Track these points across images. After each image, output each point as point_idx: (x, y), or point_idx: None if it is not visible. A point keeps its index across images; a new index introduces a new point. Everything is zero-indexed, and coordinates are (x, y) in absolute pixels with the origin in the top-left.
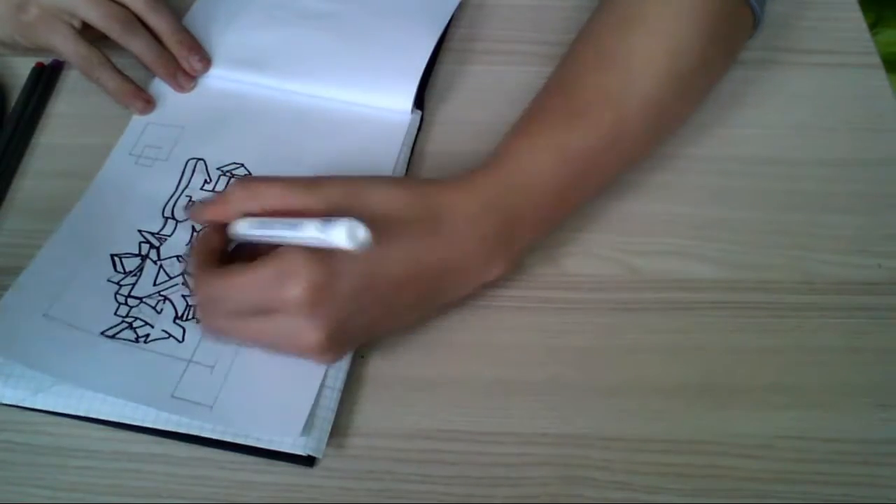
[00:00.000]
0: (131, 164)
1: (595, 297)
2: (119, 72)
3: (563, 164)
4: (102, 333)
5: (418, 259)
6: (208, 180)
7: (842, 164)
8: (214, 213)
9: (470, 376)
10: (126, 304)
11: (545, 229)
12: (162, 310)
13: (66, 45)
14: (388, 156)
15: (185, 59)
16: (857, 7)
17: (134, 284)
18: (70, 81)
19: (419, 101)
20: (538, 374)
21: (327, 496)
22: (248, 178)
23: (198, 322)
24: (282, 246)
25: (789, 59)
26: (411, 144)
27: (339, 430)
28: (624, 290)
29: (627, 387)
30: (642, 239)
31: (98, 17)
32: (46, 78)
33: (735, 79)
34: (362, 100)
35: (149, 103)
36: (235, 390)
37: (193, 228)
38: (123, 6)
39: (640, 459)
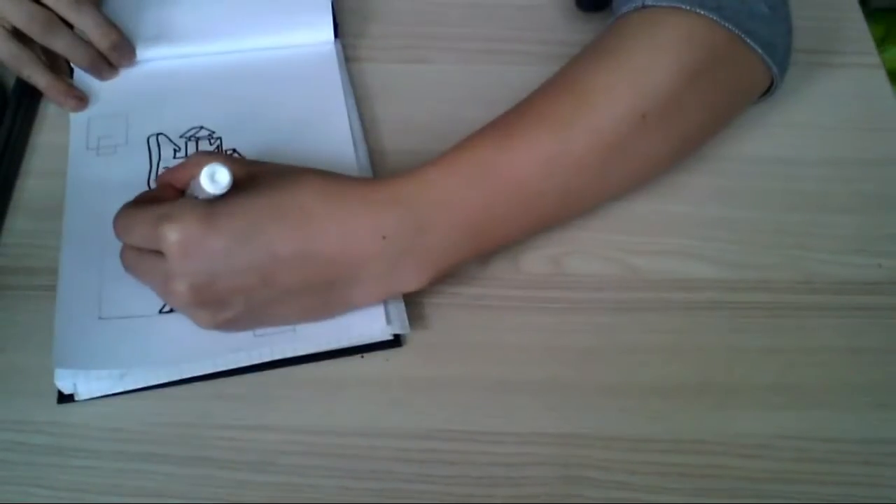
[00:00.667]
0: (93, 158)
1: (595, 297)
2: (50, 70)
3: (487, 179)
4: (161, 312)
5: (305, 237)
6: (177, 149)
7: (842, 164)
8: (172, 176)
9: (470, 376)
10: None
11: (469, 246)
12: None
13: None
14: (333, 88)
15: (113, 57)
16: (857, 7)
17: None
18: None
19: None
20: (538, 374)
21: (327, 496)
22: (204, 153)
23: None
24: None
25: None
26: (346, 72)
27: (338, 429)
28: (624, 290)
29: (627, 387)
30: (642, 239)
31: (20, 19)
32: None
33: None
34: (285, 41)
35: (81, 100)
36: None
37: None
38: (47, 7)
39: (640, 459)
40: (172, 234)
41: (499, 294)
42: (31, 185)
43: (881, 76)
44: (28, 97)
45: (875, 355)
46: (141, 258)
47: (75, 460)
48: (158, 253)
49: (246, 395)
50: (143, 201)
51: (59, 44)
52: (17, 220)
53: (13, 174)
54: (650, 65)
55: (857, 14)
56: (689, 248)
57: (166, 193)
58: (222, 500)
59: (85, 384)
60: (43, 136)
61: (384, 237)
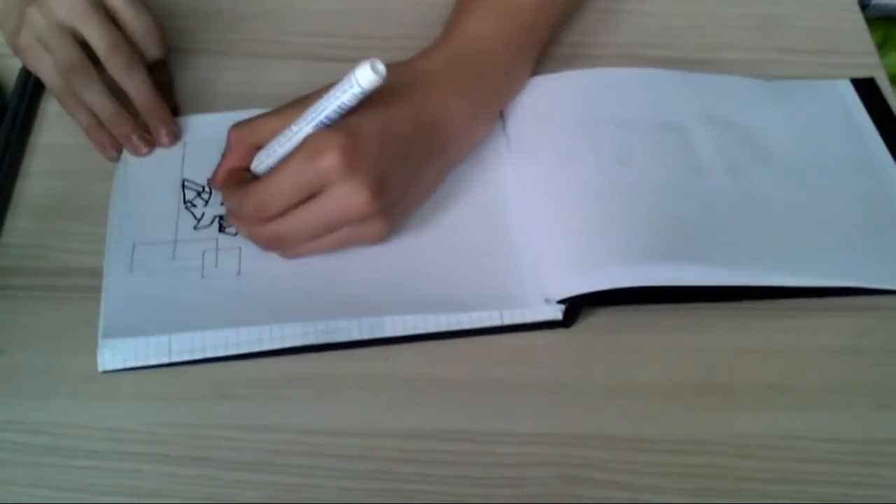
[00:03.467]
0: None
1: None
2: (93, 113)
3: (504, 22)
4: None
5: (414, 114)
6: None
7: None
8: (230, 161)
9: (470, 376)
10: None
11: (511, 82)
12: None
13: (48, 77)
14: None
15: (154, 130)
16: (857, 7)
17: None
18: None
19: None
20: (538, 374)
21: (327, 496)
22: (239, 122)
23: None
24: None
25: (789, 59)
26: None
27: (338, 429)
28: None
29: (627, 387)
30: None
31: (61, 63)
32: (35, 77)
33: None
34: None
35: (119, 153)
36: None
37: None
38: (84, 55)
39: (640, 459)
40: (335, 160)
41: None
42: (31, 185)
43: (881, 77)
44: (28, 97)
45: (875, 355)
46: (296, 214)
47: (75, 460)
48: (307, 201)
49: (246, 395)
50: (232, 187)
51: (90, 97)
52: (17, 220)
53: (13, 174)
54: None
55: (857, 15)
56: None
57: (242, 175)
58: (222, 500)
59: (133, 351)
60: (43, 136)
61: (457, 93)
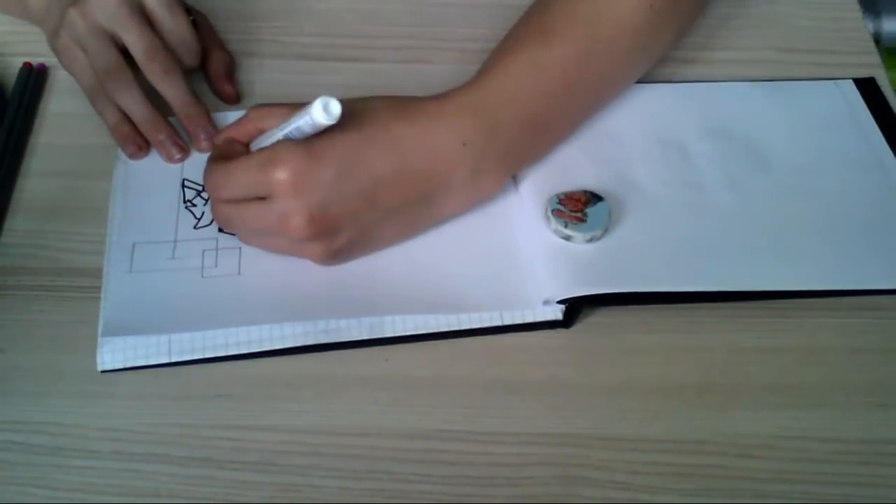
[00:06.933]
0: None
1: None
2: (122, 112)
3: (537, 74)
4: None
5: (400, 157)
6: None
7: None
8: (234, 131)
9: (470, 376)
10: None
11: (532, 143)
12: None
13: (81, 76)
14: None
15: (193, 134)
16: (857, 7)
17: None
18: (60, 82)
19: None
20: (538, 374)
21: (327, 496)
22: (262, 104)
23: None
24: None
25: (789, 58)
26: None
27: (338, 429)
28: None
29: (627, 387)
30: None
31: (97, 65)
32: (35, 77)
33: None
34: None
35: (140, 149)
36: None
37: None
38: (123, 57)
39: (640, 459)
40: (284, 174)
41: None
42: (31, 185)
43: (881, 76)
44: (28, 97)
45: (875, 355)
46: (244, 208)
47: (75, 460)
48: (258, 200)
49: (246, 395)
50: (217, 159)
51: (126, 104)
52: (17, 220)
53: (13, 174)
54: None
55: (856, 14)
56: None
57: (234, 148)
58: (222, 500)
59: (133, 351)
60: (43, 136)
61: (464, 144)
